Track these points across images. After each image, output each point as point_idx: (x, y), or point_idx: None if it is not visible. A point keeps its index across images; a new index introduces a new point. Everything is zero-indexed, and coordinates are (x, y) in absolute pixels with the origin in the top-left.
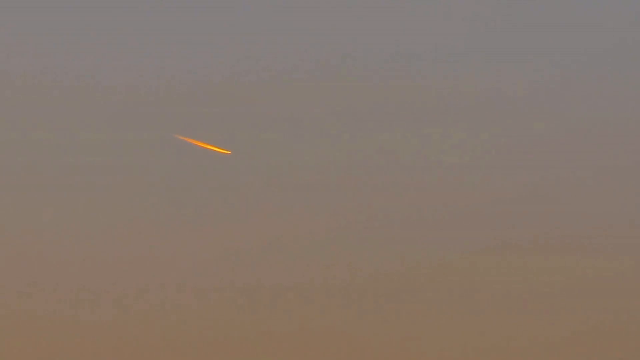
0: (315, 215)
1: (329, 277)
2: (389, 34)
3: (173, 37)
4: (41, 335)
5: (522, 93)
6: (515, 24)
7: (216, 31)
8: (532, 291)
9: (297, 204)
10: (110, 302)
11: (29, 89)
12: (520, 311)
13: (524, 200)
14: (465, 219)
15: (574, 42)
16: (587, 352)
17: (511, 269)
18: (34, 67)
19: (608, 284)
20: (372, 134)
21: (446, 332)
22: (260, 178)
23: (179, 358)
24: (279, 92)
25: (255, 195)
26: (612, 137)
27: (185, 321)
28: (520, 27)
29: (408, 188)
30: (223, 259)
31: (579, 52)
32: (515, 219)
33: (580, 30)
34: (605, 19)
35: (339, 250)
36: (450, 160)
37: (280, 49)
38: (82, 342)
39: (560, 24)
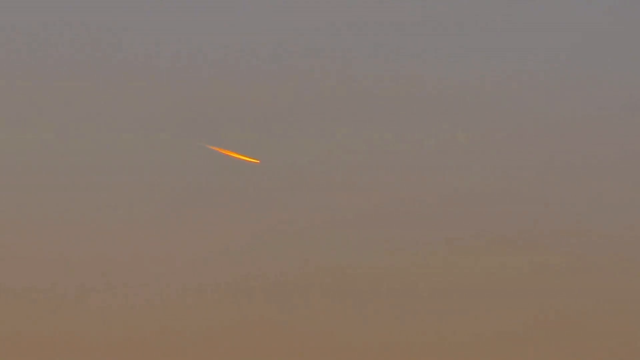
0: (307, 213)
1: (318, 274)
2: (388, 33)
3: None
4: (41, 335)
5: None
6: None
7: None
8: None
9: (289, 201)
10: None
11: (65, 91)
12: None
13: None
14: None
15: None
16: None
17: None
18: (65, 70)
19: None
20: (371, 133)
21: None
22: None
23: (179, 355)
24: (278, 91)
25: (251, 193)
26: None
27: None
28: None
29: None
30: (222, 255)
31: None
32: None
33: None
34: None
35: (323, 248)
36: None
37: (283, 49)
38: (89, 339)
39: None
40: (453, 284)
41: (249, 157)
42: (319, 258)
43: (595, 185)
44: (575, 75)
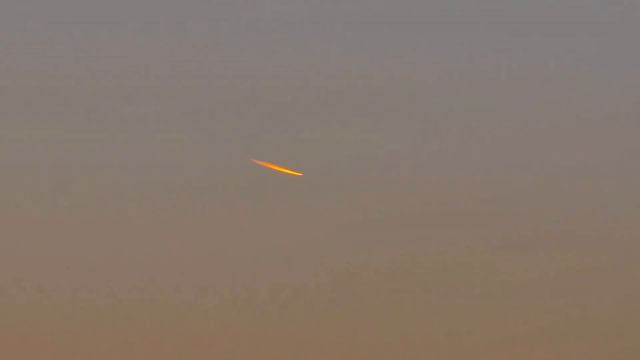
0: (317, 216)
1: (325, 277)
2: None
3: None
4: (42, 334)
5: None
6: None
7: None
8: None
9: (298, 205)
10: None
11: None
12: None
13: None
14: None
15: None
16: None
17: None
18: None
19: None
20: (373, 136)
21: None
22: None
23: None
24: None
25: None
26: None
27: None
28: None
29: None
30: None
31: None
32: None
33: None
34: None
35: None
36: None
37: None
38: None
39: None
40: (455, 285)
41: (292, 170)
42: (329, 262)
43: (602, 187)
44: (582, 77)
